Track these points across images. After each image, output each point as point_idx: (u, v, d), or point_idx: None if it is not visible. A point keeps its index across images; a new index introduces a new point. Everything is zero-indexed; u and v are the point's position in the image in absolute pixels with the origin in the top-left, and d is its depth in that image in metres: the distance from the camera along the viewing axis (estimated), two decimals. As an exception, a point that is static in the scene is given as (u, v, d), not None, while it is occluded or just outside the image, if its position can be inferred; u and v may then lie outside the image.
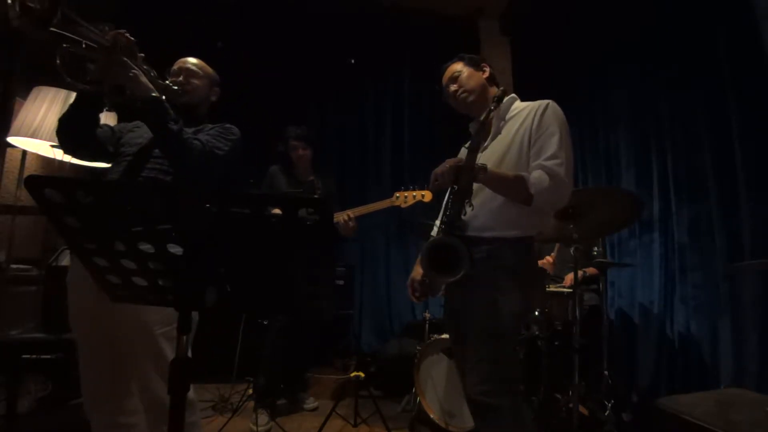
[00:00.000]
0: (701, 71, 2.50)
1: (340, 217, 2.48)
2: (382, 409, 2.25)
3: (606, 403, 2.18)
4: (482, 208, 1.31)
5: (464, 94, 1.46)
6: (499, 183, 1.26)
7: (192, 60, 1.53)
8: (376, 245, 4.07)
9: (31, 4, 0.98)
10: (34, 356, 1.95)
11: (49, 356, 1.98)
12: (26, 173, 2.53)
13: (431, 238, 1.28)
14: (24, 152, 2.49)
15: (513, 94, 1.46)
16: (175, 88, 1.43)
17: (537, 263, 1.44)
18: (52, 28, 1.02)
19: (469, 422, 2.03)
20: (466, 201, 1.24)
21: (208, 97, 1.56)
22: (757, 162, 2.18)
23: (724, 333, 2.27)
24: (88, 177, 2.83)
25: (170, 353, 1.22)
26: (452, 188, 1.28)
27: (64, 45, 1.12)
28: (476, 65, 1.49)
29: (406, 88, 4.27)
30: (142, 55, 1.26)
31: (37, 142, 2.33)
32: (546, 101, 1.35)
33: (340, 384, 3.11)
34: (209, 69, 1.57)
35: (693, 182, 2.52)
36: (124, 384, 1.26)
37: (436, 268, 1.23)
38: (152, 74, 1.32)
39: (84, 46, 1.13)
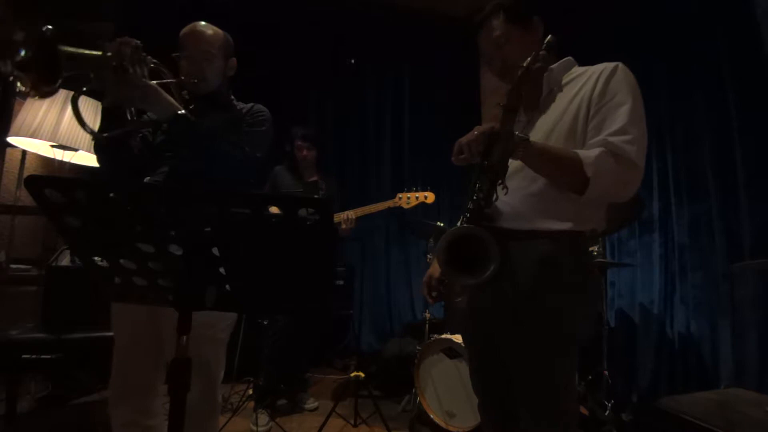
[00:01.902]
0: (701, 71, 2.50)
1: (342, 217, 2.50)
2: (382, 409, 2.25)
3: (606, 403, 2.18)
4: (518, 192, 1.01)
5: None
6: (545, 160, 0.96)
7: (203, 34, 1.37)
8: (376, 245, 4.07)
9: (21, 55, 0.90)
10: (34, 356, 1.95)
11: (49, 356, 1.98)
12: (26, 173, 2.53)
13: (451, 228, 1.00)
14: (24, 152, 2.49)
15: (570, 57, 1.15)
16: (192, 80, 1.32)
17: (592, 266, 1.10)
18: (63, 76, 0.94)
19: (469, 422, 2.03)
20: (499, 182, 0.94)
21: (227, 75, 1.45)
22: (757, 162, 2.18)
23: (724, 333, 2.27)
24: (88, 177, 2.82)
25: (212, 356, 1.22)
26: (482, 164, 0.97)
27: (83, 88, 1.06)
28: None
29: (406, 88, 4.28)
30: (149, 56, 1.16)
31: (37, 142, 2.33)
32: (614, 63, 1.04)
33: (340, 384, 3.10)
34: (221, 37, 1.41)
35: (693, 182, 2.52)
36: (154, 383, 1.26)
37: (455, 265, 0.96)
38: (164, 72, 1.25)
39: (90, 75, 1.05)
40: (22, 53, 0.90)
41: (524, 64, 0.92)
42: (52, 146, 2.36)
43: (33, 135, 2.27)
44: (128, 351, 1.23)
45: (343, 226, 2.51)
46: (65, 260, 2.25)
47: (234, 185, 1.29)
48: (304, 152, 2.75)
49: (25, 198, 2.47)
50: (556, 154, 0.96)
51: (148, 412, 1.24)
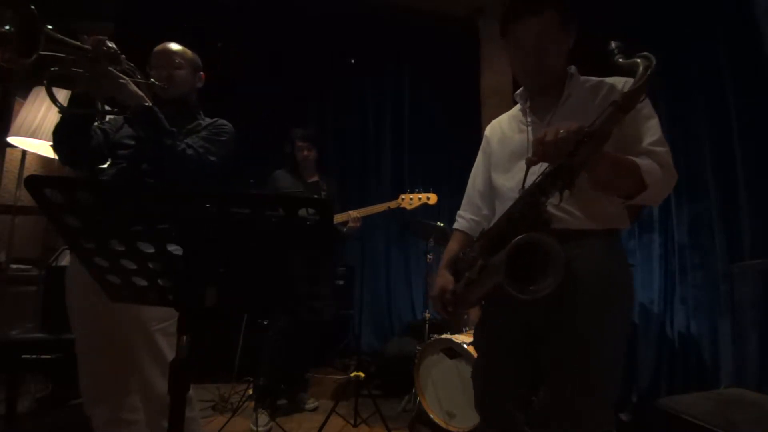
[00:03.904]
0: (701, 71, 2.50)
1: (345, 217, 2.52)
2: (382, 409, 2.25)
3: (606, 403, 2.17)
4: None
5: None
6: (614, 166, 0.92)
7: (172, 48, 1.46)
8: (376, 245, 4.07)
9: (5, 29, 0.96)
10: (34, 356, 1.95)
11: (49, 356, 1.98)
12: (26, 173, 2.53)
13: (518, 237, 0.89)
14: (24, 152, 2.49)
15: (572, 66, 1.15)
16: (161, 84, 1.39)
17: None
18: (39, 52, 1.00)
19: (469, 422, 2.03)
20: (571, 185, 0.87)
21: (195, 85, 1.52)
22: (757, 162, 2.18)
23: (724, 333, 2.27)
24: (87, 177, 2.83)
25: (167, 349, 1.23)
26: (560, 164, 0.89)
27: (52, 68, 1.11)
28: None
29: (406, 88, 4.27)
30: (124, 56, 1.23)
31: (37, 142, 2.33)
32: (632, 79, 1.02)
33: (340, 384, 3.10)
34: (190, 53, 1.51)
35: (693, 182, 2.52)
36: (124, 381, 1.27)
37: (516, 277, 0.88)
38: (137, 75, 1.30)
39: (67, 61, 1.11)
40: (6, 27, 0.97)
41: (648, 72, 0.85)
42: (52, 146, 2.35)
43: (33, 135, 2.27)
44: (91, 352, 1.25)
45: (351, 224, 2.53)
46: (65, 260, 2.25)
47: (186, 183, 1.32)
48: (305, 152, 2.75)
49: (25, 198, 2.47)
50: (622, 160, 0.95)
51: (125, 407, 1.26)
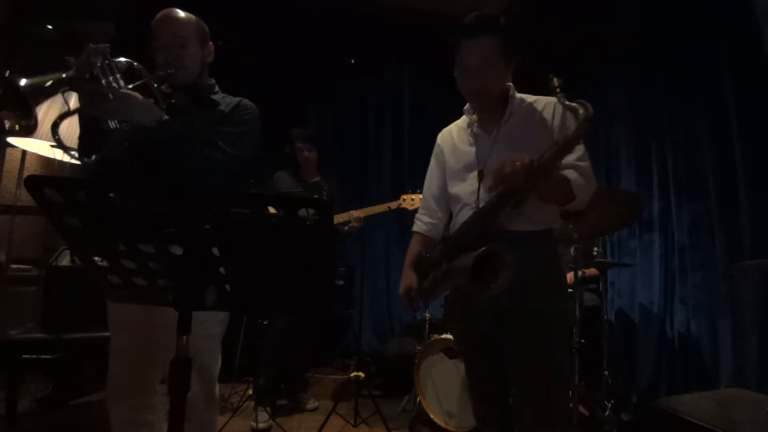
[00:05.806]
0: (701, 71, 2.50)
1: (345, 217, 2.53)
2: (382, 409, 2.25)
3: (606, 403, 2.18)
4: None
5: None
6: (552, 182, 1.10)
7: (176, 17, 1.32)
8: (376, 245, 4.07)
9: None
10: (34, 356, 1.95)
11: (49, 356, 1.98)
12: (26, 173, 2.53)
13: (480, 249, 1.01)
14: (24, 152, 2.49)
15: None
16: (169, 71, 1.27)
17: (557, 260, 1.27)
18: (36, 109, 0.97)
19: (469, 422, 2.03)
20: (520, 205, 1.08)
21: (205, 61, 1.39)
22: (757, 162, 2.18)
23: (724, 333, 2.27)
24: (88, 177, 2.83)
25: (204, 351, 1.23)
26: (508, 190, 1.08)
27: (58, 118, 1.10)
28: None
29: (406, 88, 4.27)
30: (120, 59, 1.15)
31: (37, 142, 2.33)
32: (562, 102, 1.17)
33: (340, 384, 3.11)
34: (194, 21, 1.37)
35: (693, 182, 2.52)
36: (151, 381, 1.26)
37: (478, 279, 1.01)
38: (139, 70, 1.22)
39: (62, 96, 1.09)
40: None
41: (585, 123, 1.01)
42: (52, 146, 2.35)
43: (33, 135, 2.27)
44: (124, 350, 1.23)
45: (353, 224, 2.54)
46: (65, 260, 2.25)
47: (218, 189, 1.27)
48: (305, 153, 2.75)
49: (25, 198, 2.47)
50: (557, 176, 1.11)
51: (146, 408, 1.24)
